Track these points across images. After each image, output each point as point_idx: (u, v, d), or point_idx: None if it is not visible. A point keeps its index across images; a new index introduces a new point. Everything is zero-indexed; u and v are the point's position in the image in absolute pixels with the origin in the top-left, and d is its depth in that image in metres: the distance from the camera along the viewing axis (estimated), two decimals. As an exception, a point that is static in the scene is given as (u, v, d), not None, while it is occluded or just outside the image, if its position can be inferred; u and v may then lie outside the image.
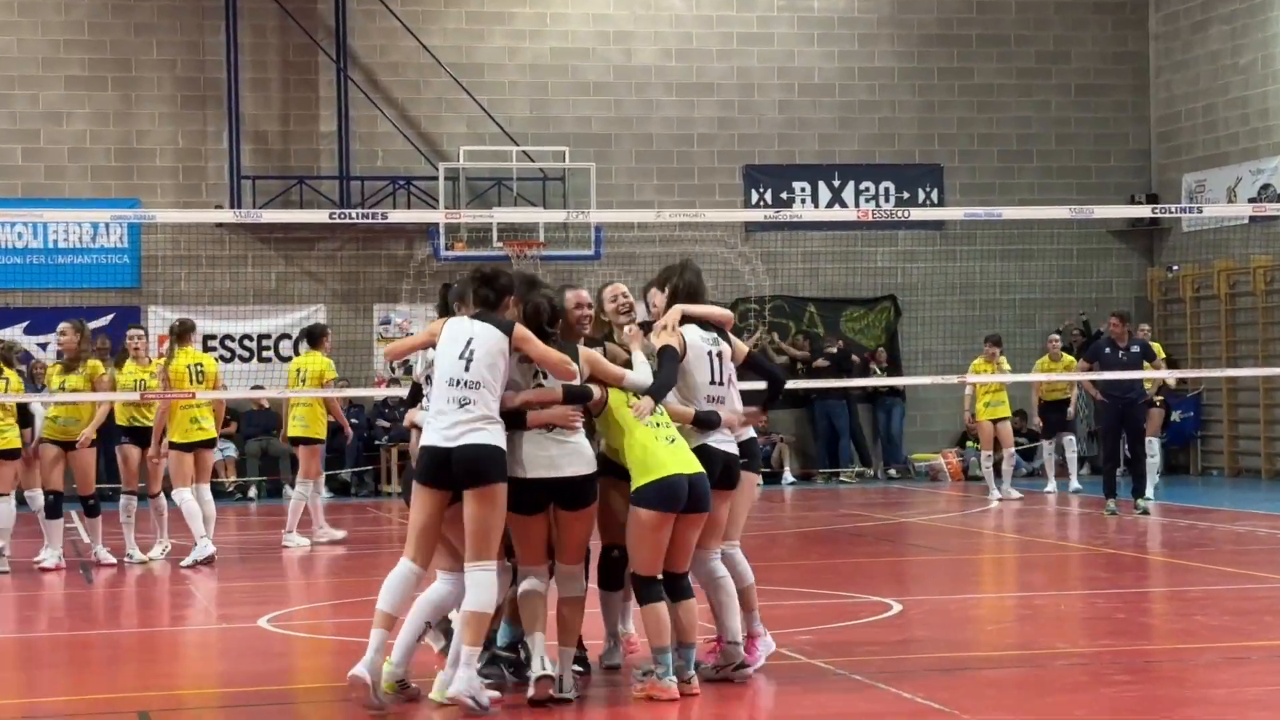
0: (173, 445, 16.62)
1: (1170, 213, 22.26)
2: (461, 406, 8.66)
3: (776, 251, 27.09)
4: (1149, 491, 20.42)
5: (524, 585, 9.00)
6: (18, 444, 15.91)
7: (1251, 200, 26.09)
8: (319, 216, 18.76)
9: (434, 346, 8.92)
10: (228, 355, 26.15)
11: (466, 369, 8.67)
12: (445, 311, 9.25)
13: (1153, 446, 21.44)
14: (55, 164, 25.91)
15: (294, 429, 18.70)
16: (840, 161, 27.98)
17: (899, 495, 24.34)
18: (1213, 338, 27.35)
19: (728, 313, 9.79)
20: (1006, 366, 22.78)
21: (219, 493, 24.82)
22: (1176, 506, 21.34)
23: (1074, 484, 23.61)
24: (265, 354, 26.32)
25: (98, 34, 26.00)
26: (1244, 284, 26.59)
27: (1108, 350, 19.97)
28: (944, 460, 27.06)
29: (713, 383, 9.41)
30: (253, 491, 25.45)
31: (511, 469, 8.75)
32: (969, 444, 27.48)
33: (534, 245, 25.23)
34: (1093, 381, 20.18)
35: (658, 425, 9.00)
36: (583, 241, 25.80)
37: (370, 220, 17.59)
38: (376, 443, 25.98)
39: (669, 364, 9.22)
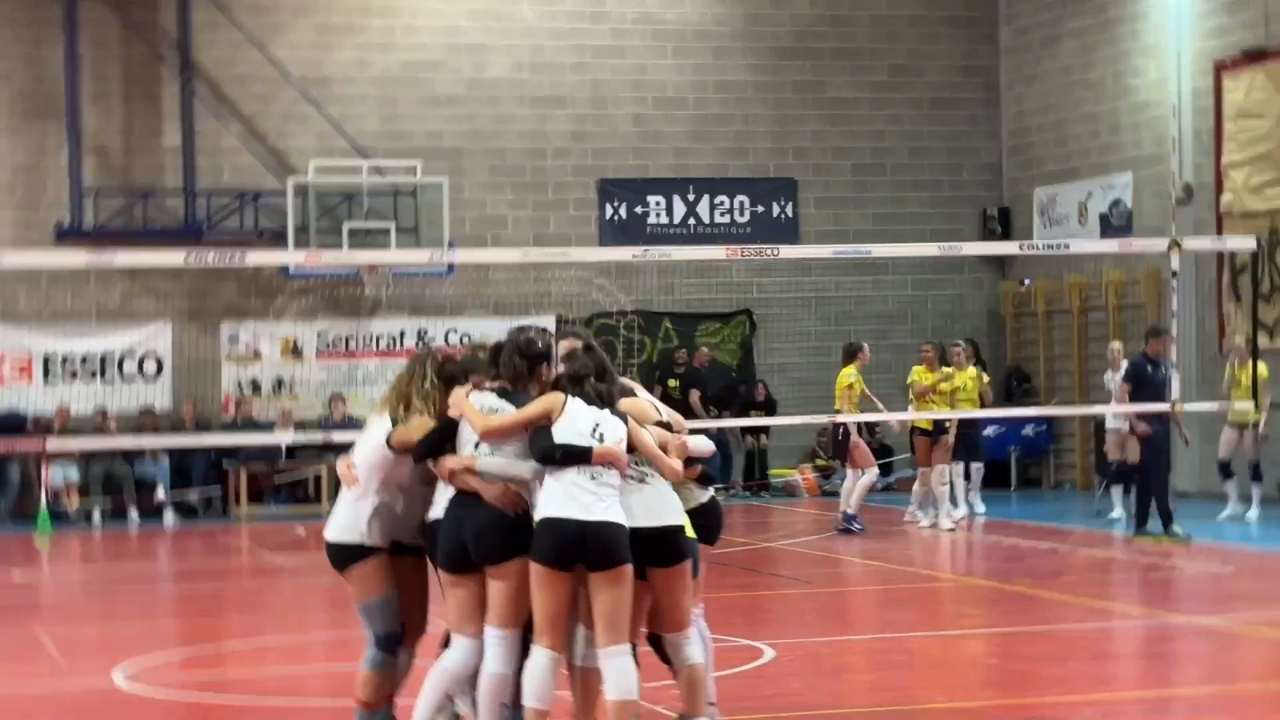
0: None
1: (1037, 249, 22.22)
2: (594, 480, 8.28)
3: (632, 267, 26.82)
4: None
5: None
6: None
7: (1102, 215, 26.33)
8: (174, 258, 18.15)
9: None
10: (69, 375, 25.44)
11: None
12: (530, 371, 8.60)
13: (944, 475, 21.01)
14: (-112, 179, 25.10)
15: None
16: (694, 175, 27.81)
17: (759, 514, 24.19)
18: (1065, 351, 27.50)
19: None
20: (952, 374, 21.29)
21: (61, 516, 24.20)
22: (1032, 526, 21.39)
23: (980, 507, 22.37)
24: (109, 373, 25.62)
25: (-68, 46, 25.21)
26: (1096, 298, 26.74)
27: (1150, 369, 18.56)
28: (800, 476, 26.96)
29: None
30: (96, 516, 24.74)
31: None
32: (819, 460, 27.41)
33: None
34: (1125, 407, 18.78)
35: None
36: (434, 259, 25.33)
37: (229, 265, 16.98)
38: (225, 463, 25.36)
39: None
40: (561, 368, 8.81)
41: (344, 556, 8.77)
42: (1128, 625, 13.82)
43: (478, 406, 8.52)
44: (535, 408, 8.44)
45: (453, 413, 8.57)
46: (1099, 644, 12.76)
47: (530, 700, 8.36)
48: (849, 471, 20.99)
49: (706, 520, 9.02)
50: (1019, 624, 13.76)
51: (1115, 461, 21.40)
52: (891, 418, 21.50)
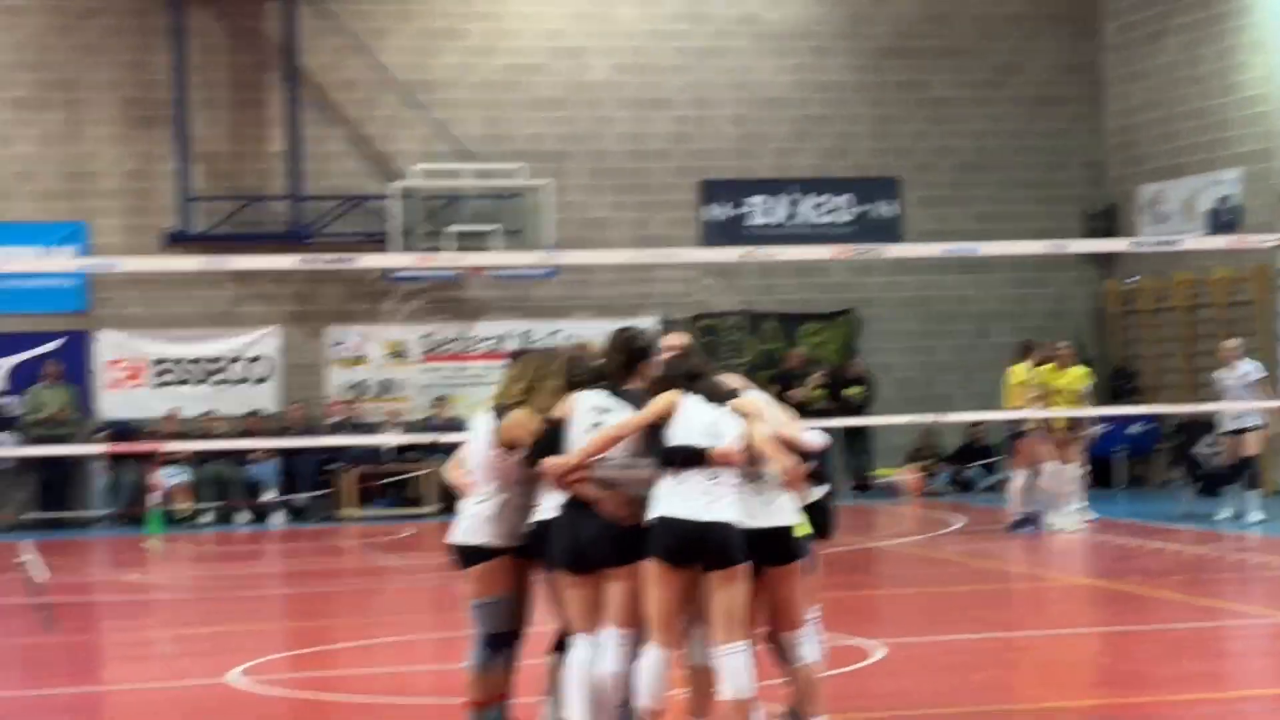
0: None
1: (1146, 246, 21.90)
2: (712, 479, 8.34)
3: (734, 267, 26.83)
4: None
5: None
6: None
7: (1210, 212, 26.09)
8: (287, 262, 18.42)
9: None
10: (179, 379, 25.76)
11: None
12: (625, 367, 8.68)
13: (1071, 474, 20.56)
14: (1, 187, 25.46)
15: None
16: (796, 175, 27.79)
17: (863, 515, 24.12)
18: (1171, 350, 27.25)
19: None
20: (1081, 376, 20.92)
21: (172, 518, 24.54)
22: (1140, 525, 21.22)
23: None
24: (217, 377, 25.93)
25: (43, 55, 25.56)
26: (1204, 296, 26.48)
27: None
28: (905, 476, 26.88)
29: None
30: (206, 518, 25.07)
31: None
32: (924, 461, 27.29)
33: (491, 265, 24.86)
34: None
35: None
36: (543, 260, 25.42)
37: (340, 266, 17.17)
38: (332, 465, 25.61)
39: None
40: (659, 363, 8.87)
41: (469, 557, 8.85)
42: (1241, 624, 13.69)
43: (588, 405, 8.57)
44: (654, 408, 8.46)
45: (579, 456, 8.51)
46: (1213, 643, 12.65)
47: (644, 699, 8.40)
48: (1015, 471, 20.69)
49: (820, 517, 9.04)
50: (1130, 623, 13.66)
51: (1225, 464, 20.93)
52: (1060, 414, 20.63)
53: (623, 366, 8.72)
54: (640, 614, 8.45)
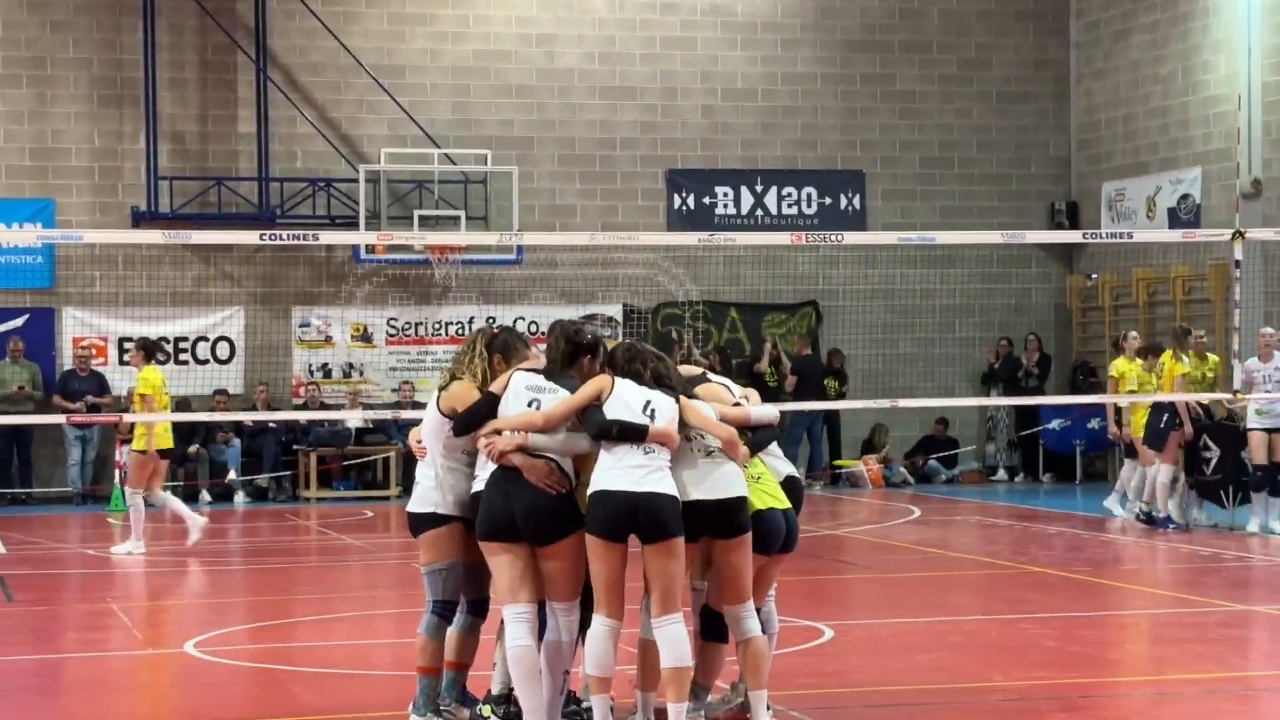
0: None
1: (1100, 238, 22.10)
2: (647, 454, 8.47)
3: (698, 256, 26.98)
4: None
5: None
6: None
7: (1171, 210, 26.31)
8: (249, 238, 18.52)
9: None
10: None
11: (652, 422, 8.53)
12: (567, 357, 8.86)
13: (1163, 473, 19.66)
14: (-32, 163, 25.53)
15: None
16: (763, 166, 27.93)
17: (823, 504, 24.30)
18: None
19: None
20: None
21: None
22: (1096, 519, 21.41)
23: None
24: (182, 357, 25.97)
25: (12, 31, 25.58)
26: (1163, 292, 26.72)
27: None
28: (864, 467, 27.07)
29: None
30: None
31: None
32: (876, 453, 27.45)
33: (456, 250, 24.99)
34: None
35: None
36: (504, 247, 25.56)
37: (302, 242, 17.26)
38: (295, 447, 25.71)
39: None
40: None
41: (420, 524, 9.03)
42: (1190, 613, 13.87)
43: (524, 384, 8.71)
44: (586, 390, 8.64)
45: (502, 424, 8.67)
46: (1159, 629, 12.82)
47: (592, 668, 8.57)
48: (1156, 463, 19.68)
49: (788, 494, 9.20)
50: (1079, 609, 13.84)
51: (1259, 466, 18.94)
52: (1219, 397, 20.00)
53: (565, 356, 8.87)
54: (578, 586, 8.61)
